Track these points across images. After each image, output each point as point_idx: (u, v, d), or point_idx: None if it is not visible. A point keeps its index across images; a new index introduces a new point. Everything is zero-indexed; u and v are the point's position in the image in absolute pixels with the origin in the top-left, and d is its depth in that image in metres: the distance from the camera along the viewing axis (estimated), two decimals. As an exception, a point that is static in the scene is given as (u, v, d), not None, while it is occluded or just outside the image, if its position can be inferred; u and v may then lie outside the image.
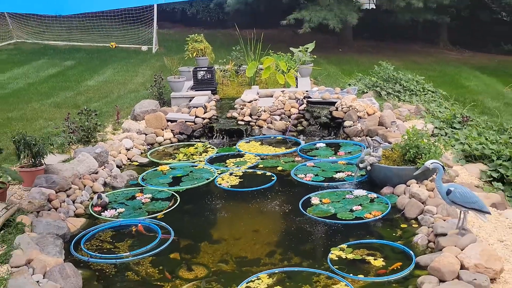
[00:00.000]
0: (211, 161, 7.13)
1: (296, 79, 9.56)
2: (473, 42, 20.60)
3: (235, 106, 8.60)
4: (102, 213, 5.60)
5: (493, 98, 11.07)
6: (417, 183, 5.71)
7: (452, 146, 6.78)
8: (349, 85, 10.03)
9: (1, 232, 4.71)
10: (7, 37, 17.47)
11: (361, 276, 4.27)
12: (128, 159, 7.19)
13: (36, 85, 11.85)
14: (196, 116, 8.32)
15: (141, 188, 6.26)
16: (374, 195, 5.79)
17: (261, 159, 7.15)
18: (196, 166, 6.94)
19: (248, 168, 6.82)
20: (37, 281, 4.03)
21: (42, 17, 17.71)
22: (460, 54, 19.25)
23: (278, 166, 6.85)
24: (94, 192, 6.04)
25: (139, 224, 5.29)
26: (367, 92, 9.39)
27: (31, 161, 5.94)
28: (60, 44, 17.42)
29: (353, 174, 6.36)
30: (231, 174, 6.62)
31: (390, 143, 6.65)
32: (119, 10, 16.87)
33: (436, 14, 18.15)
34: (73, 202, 5.72)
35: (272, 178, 6.46)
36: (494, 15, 22.62)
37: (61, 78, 12.58)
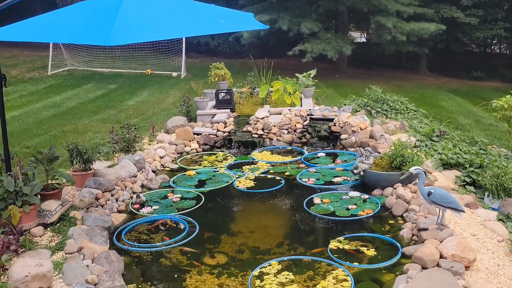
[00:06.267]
0: (230, 167, 7.12)
1: (301, 99, 9.51)
2: (448, 69, 20.54)
3: (250, 122, 8.52)
4: (140, 210, 5.58)
5: (465, 116, 11.03)
6: (402, 186, 5.66)
7: (431, 155, 6.71)
8: (345, 105, 9.94)
9: (57, 224, 4.74)
10: (62, 64, 17.67)
11: (356, 263, 4.23)
12: (161, 165, 7.19)
13: (86, 104, 11.97)
14: (218, 130, 8.30)
15: (172, 189, 6.26)
16: (366, 196, 5.74)
17: (271, 166, 7.13)
18: (217, 171, 6.93)
19: (260, 173, 6.81)
20: (87, 265, 4.04)
21: (91, 48, 17.92)
22: (437, 80, 19.18)
23: (285, 172, 6.83)
24: (134, 192, 6.04)
25: (168, 219, 5.27)
26: (359, 111, 9.29)
27: (82, 166, 5.96)
28: (105, 70, 17.57)
29: (348, 178, 6.32)
30: (246, 178, 6.62)
31: (379, 152, 6.63)
32: (154, 42, 16.96)
33: (417, 46, 18.19)
34: (116, 200, 5.71)
35: (281, 181, 6.43)
36: (465, 47, 22.59)
37: (106, 99, 12.67)
